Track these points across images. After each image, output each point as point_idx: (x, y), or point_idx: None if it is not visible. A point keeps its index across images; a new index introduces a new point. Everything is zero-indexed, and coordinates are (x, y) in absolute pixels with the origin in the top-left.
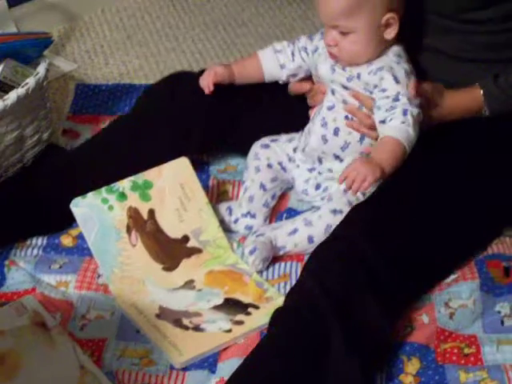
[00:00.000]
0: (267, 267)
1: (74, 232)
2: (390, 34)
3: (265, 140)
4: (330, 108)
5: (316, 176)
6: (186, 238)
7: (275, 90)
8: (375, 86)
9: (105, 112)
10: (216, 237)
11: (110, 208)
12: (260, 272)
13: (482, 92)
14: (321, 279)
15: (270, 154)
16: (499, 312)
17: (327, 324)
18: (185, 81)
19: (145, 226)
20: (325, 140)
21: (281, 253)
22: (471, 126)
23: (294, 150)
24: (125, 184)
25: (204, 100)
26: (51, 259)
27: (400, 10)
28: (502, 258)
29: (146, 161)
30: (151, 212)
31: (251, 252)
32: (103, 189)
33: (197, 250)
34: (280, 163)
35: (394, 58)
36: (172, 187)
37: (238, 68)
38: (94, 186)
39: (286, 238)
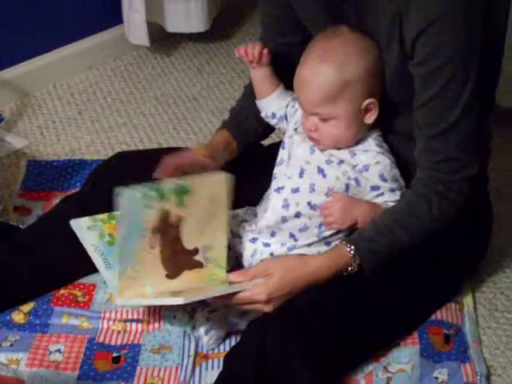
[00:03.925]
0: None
1: (25, 308)
2: (370, 118)
3: None
4: (295, 191)
5: (262, 250)
6: (195, 251)
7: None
8: (356, 180)
9: (56, 188)
10: (220, 256)
11: (147, 206)
12: (212, 349)
13: (349, 249)
14: (260, 342)
15: None
16: (436, 378)
17: None
18: (134, 158)
19: (168, 231)
20: (284, 220)
21: (233, 329)
22: None
23: (240, 223)
24: (168, 185)
25: (150, 177)
26: (2, 336)
27: (379, 94)
28: (443, 325)
29: None
30: (179, 219)
31: (207, 332)
32: (147, 186)
33: (199, 264)
34: None
35: (376, 148)
36: (205, 200)
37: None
38: (46, 261)
39: (238, 317)
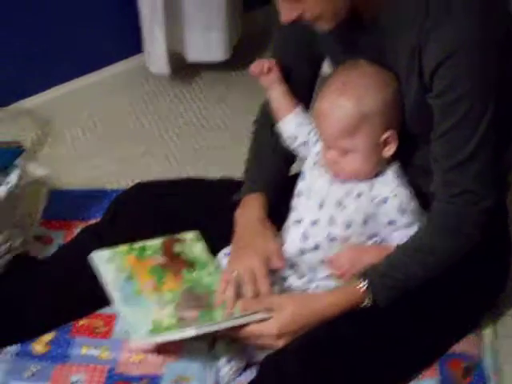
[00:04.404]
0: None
1: (45, 338)
2: (389, 151)
3: (228, 249)
4: (314, 223)
5: (280, 283)
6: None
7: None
8: (374, 214)
9: (77, 217)
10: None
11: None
12: (233, 379)
13: (362, 284)
14: (278, 376)
15: None
16: None
17: None
18: (154, 188)
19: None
20: (303, 252)
21: (252, 361)
22: None
23: None
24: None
25: (171, 208)
26: (24, 366)
27: (398, 127)
28: (463, 358)
29: None
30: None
31: (227, 362)
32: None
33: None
34: None
35: (395, 180)
36: None
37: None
38: (67, 292)
39: (256, 348)
